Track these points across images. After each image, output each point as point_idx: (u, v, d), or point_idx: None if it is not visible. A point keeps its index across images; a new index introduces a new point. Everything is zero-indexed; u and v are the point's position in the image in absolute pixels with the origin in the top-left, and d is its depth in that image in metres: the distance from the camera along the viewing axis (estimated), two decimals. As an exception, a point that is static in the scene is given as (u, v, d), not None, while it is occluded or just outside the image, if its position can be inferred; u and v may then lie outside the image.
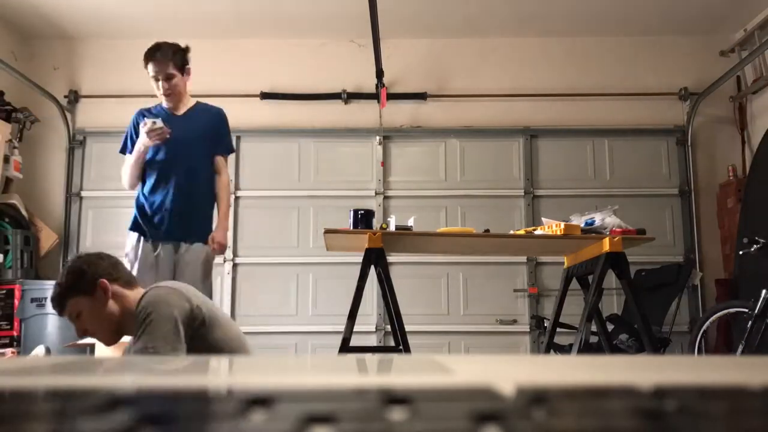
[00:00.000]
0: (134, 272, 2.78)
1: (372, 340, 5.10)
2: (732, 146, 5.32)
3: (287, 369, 0.56)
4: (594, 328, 3.71)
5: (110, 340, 2.10)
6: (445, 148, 5.39)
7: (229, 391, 0.34)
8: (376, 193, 5.29)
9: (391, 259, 3.96)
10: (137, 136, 3.17)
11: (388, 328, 4.83)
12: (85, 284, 2.00)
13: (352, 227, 3.24)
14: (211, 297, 2.83)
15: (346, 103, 5.39)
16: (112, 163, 5.40)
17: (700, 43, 5.41)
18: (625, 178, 5.31)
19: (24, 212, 4.97)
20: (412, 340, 3.28)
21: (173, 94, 3.16)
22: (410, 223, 3.27)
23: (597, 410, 0.29)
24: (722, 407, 0.30)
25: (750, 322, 3.74)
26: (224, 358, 0.57)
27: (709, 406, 0.30)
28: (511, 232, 3.91)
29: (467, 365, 0.49)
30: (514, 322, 5.16)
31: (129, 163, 3.20)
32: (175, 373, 0.51)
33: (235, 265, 5.22)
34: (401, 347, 3.24)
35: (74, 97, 5.43)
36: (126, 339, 2.12)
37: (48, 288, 4.59)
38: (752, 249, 3.86)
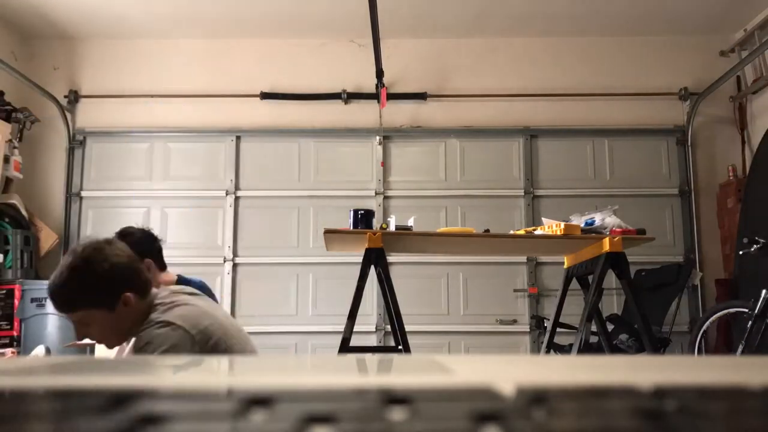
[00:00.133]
0: None
1: (372, 340, 5.10)
2: (732, 146, 5.32)
3: (287, 369, 0.56)
4: (594, 328, 3.71)
5: (113, 346, 1.86)
6: (445, 148, 5.39)
7: (229, 391, 0.34)
8: (376, 193, 5.29)
9: (391, 259, 3.96)
10: None
11: (388, 328, 4.83)
12: (107, 298, 1.69)
13: (352, 227, 3.24)
14: None
15: (346, 103, 5.39)
16: (112, 163, 5.40)
17: (700, 43, 5.41)
18: (625, 178, 5.31)
19: (24, 212, 4.97)
20: (412, 340, 3.28)
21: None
22: (410, 223, 3.26)
23: (597, 410, 0.29)
24: (722, 407, 0.30)
25: (750, 322, 3.74)
26: (224, 358, 0.57)
27: (709, 406, 0.30)
28: (511, 232, 3.91)
29: (467, 365, 0.49)
30: (514, 322, 5.16)
31: None
32: (175, 373, 0.51)
33: (235, 265, 5.22)
34: (401, 347, 3.23)
35: (74, 97, 5.43)
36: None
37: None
38: (752, 249, 3.86)
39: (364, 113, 5.38)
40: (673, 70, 5.40)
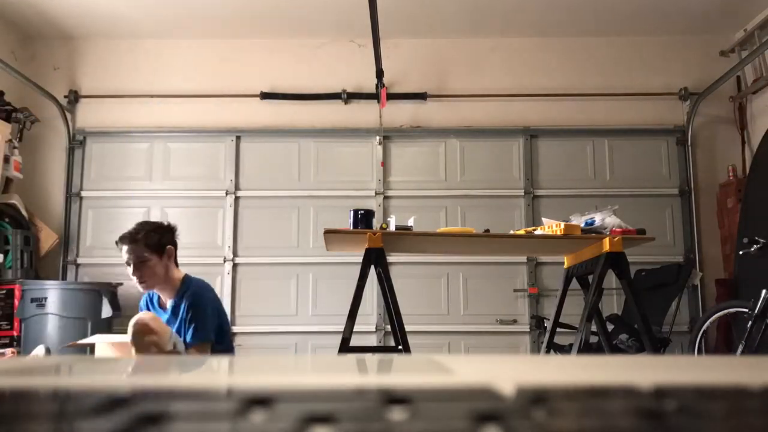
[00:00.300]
0: None
1: (372, 340, 5.10)
2: (732, 146, 5.32)
3: (287, 369, 0.56)
4: (594, 328, 3.71)
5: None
6: (445, 148, 5.39)
7: (229, 391, 0.34)
8: (376, 193, 5.29)
9: (391, 259, 3.95)
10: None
11: (388, 328, 4.83)
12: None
13: (352, 227, 3.23)
14: None
15: (346, 103, 5.39)
16: (112, 163, 5.40)
17: (700, 43, 5.41)
18: (625, 178, 5.31)
19: (24, 212, 4.97)
20: (412, 340, 3.28)
21: (146, 282, 2.70)
22: (410, 223, 3.26)
23: (597, 410, 0.29)
24: (722, 407, 0.30)
25: (750, 322, 3.74)
26: (224, 358, 0.57)
27: (709, 406, 0.30)
28: (511, 232, 3.91)
29: (467, 365, 0.49)
30: (514, 322, 5.16)
31: None
32: (175, 372, 0.51)
33: (235, 265, 5.22)
34: (401, 347, 3.23)
35: (74, 97, 5.43)
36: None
37: (48, 288, 4.59)
38: (752, 249, 3.86)
39: (364, 113, 5.38)
40: (673, 70, 5.41)
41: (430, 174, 5.35)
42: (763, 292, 3.71)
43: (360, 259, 3.18)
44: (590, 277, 3.36)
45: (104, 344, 3.38)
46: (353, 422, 0.25)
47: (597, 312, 3.53)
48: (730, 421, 0.27)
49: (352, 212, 3.27)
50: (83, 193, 5.34)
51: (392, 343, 4.16)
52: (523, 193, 5.31)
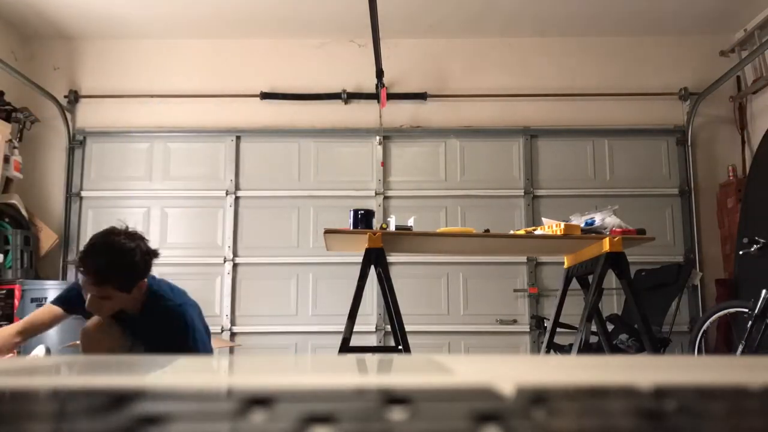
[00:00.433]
0: None
1: (372, 340, 5.10)
2: (732, 146, 5.32)
3: (287, 369, 0.56)
4: (594, 328, 3.71)
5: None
6: (445, 148, 5.39)
7: (229, 391, 0.34)
8: (376, 193, 5.29)
9: (391, 259, 3.96)
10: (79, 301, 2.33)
11: (388, 328, 4.83)
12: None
13: (352, 227, 3.24)
14: None
15: (346, 103, 5.39)
16: (112, 163, 5.40)
17: (700, 43, 5.41)
18: (625, 178, 5.31)
19: (24, 212, 4.97)
20: (412, 340, 3.28)
21: (102, 314, 2.25)
22: (410, 223, 3.26)
23: (597, 410, 0.29)
24: (722, 407, 0.30)
25: (750, 322, 3.74)
26: (224, 358, 0.57)
27: (709, 406, 0.30)
28: (511, 232, 3.91)
29: (467, 365, 0.49)
30: (514, 322, 5.16)
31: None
32: (175, 373, 0.51)
33: (235, 265, 5.22)
34: (401, 347, 3.23)
35: (74, 97, 5.43)
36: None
37: (48, 288, 4.59)
38: (752, 249, 3.86)
39: (364, 113, 5.38)
40: (673, 70, 5.41)
41: (430, 174, 5.35)
42: (763, 292, 3.71)
43: (360, 259, 3.18)
44: (590, 277, 3.36)
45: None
46: (353, 422, 0.25)
47: (597, 312, 3.53)
48: (730, 421, 0.27)
49: (352, 212, 3.27)
50: (83, 193, 5.34)
51: (392, 343, 4.16)
52: (523, 193, 5.31)
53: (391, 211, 5.09)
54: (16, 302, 4.46)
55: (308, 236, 5.24)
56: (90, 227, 5.27)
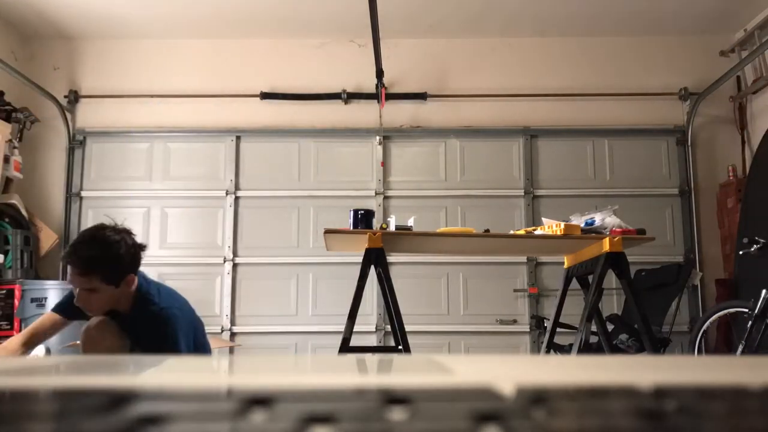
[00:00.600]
0: None
1: (372, 340, 5.10)
2: (732, 146, 5.32)
3: (287, 369, 0.56)
4: (594, 328, 3.71)
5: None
6: (445, 148, 5.39)
7: (229, 391, 0.34)
8: (376, 193, 5.29)
9: (391, 259, 3.96)
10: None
11: (388, 328, 4.83)
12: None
13: (352, 227, 3.24)
14: None
15: (346, 103, 5.39)
16: (112, 163, 5.40)
17: (700, 43, 5.41)
18: (625, 178, 5.31)
19: (24, 212, 4.97)
20: (412, 340, 3.28)
21: (93, 311, 2.25)
22: (410, 223, 3.26)
23: (597, 410, 0.29)
24: (722, 407, 0.30)
25: (750, 322, 3.74)
26: (224, 358, 0.57)
27: (709, 406, 0.30)
28: (511, 232, 3.91)
29: (467, 365, 0.49)
30: (514, 322, 5.16)
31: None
32: (175, 373, 0.51)
33: (235, 265, 5.22)
34: (401, 347, 3.23)
35: (74, 97, 5.43)
36: None
37: (48, 288, 4.59)
38: (752, 249, 3.86)
39: (364, 113, 5.38)
40: (673, 70, 5.41)
41: (430, 174, 5.35)
42: (763, 292, 3.71)
43: (360, 259, 3.17)
44: (590, 277, 3.36)
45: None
46: (353, 422, 0.25)
47: (597, 312, 3.53)
48: (730, 421, 0.27)
49: (352, 212, 3.27)
50: (83, 193, 5.34)
51: (392, 343, 4.16)
52: (523, 193, 5.31)
53: (391, 211, 5.09)
54: (16, 302, 4.46)
55: (308, 236, 5.25)
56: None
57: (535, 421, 0.26)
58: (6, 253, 4.71)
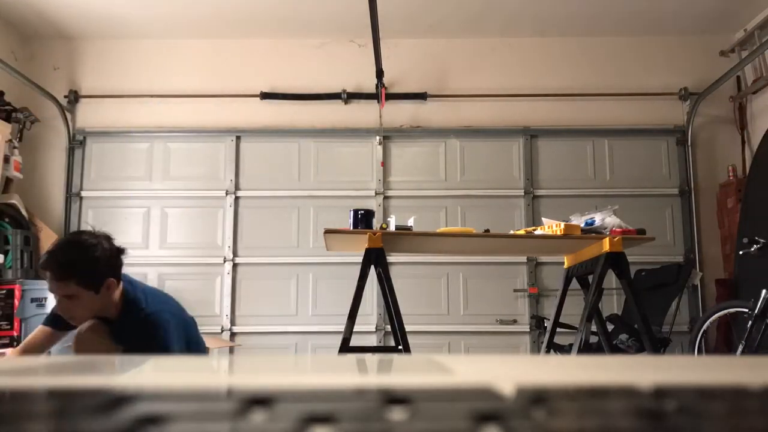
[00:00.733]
0: None
1: (372, 340, 5.10)
2: (732, 146, 5.32)
3: (287, 369, 0.56)
4: (594, 328, 3.71)
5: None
6: (445, 148, 5.39)
7: (229, 391, 0.34)
8: (376, 193, 5.29)
9: (391, 259, 3.96)
10: None
11: (388, 328, 4.83)
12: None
13: (352, 227, 3.24)
14: None
15: (346, 103, 5.39)
16: (112, 163, 5.40)
17: (700, 43, 5.41)
18: (625, 178, 5.31)
19: (24, 212, 4.97)
20: (412, 340, 3.28)
21: (75, 318, 2.21)
22: (410, 223, 3.26)
23: (597, 410, 0.29)
24: (722, 407, 0.30)
25: (750, 322, 3.74)
26: (224, 358, 0.57)
27: (709, 406, 0.30)
28: (511, 232, 3.91)
29: (467, 365, 0.49)
30: (514, 322, 5.16)
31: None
32: (175, 372, 0.51)
33: (235, 265, 5.22)
34: (401, 347, 3.23)
35: (74, 97, 5.43)
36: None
37: (48, 288, 4.58)
38: (752, 249, 3.86)
39: (364, 113, 5.38)
40: (673, 70, 5.41)
41: (430, 174, 5.35)
42: (763, 292, 3.71)
43: (360, 259, 3.17)
44: (590, 277, 3.36)
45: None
46: (353, 422, 0.25)
47: (597, 312, 3.53)
48: (730, 421, 0.27)
49: (352, 212, 3.27)
50: (83, 193, 5.34)
51: (392, 343, 4.16)
52: (523, 193, 5.31)
53: (391, 211, 5.09)
54: (16, 302, 4.46)
55: (308, 236, 5.25)
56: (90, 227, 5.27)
57: (535, 421, 0.26)
58: (6, 253, 4.71)
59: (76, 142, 5.39)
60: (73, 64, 5.52)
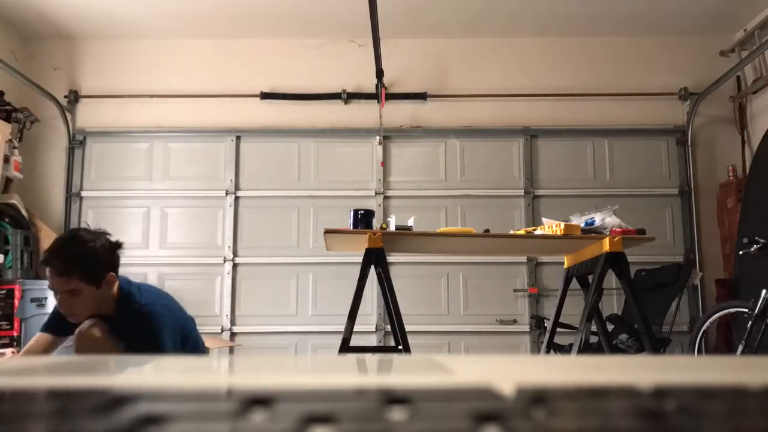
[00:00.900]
0: None
1: (372, 340, 5.10)
2: (732, 146, 5.32)
3: (287, 369, 0.56)
4: (594, 328, 3.71)
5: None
6: (445, 148, 5.39)
7: (229, 391, 0.34)
8: (376, 193, 5.29)
9: (391, 259, 3.96)
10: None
11: (388, 328, 4.83)
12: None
13: (352, 227, 3.24)
14: None
15: (346, 103, 5.39)
16: (112, 163, 5.40)
17: (700, 43, 5.41)
18: (625, 178, 5.31)
19: (24, 212, 4.97)
20: (412, 340, 3.28)
21: (75, 315, 2.22)
22: (410, 223, 3.27)
23: (597, 410, 0.29)
24: (722, 407, 0.30)
25: (750, 322, 3.74)
26: (224, 358, 0.57)
27: (709, 406, 0.30)
28: (511, 232, 3.91)
29: (467, 365, 0.49)
30: (514, 322, 5.16)
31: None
32: (175, 372, 0.51)
33: (235, 265, 5.22)
34: (401, 347, 3.23)
35: (74, 97, 5.43)
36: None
37: (47, 288, 4.58)
38: (752, 249, 3.86)
39: (364, 113, 5.38)
40: (673, 70, 5.41)
41: (430, 174, 5.35)
42: (763, 292, 3.71)
43: (360, 259, 3.18)
44: (590, 277, 3.36)
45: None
46: (353, 422, 0.25)
47: (597, 312, 3.53)
48: (730, 421, 0.27)
49: (352, 212, 3.27)
50: (83, 193, 5.34)
51: (392, 343, 4.16)
52: (523, 193, 5.31)
53: (391, 211, 5.09)
54: (16, 302, 4.46)
55: (308, 236, 5.25)
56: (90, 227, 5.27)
57: (535, 421, 0.26)
58: (6, 253, 4.71)
59: (76, 142, 5.39)
60: (73, 64, 5.52)
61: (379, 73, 4.99)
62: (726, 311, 4.14)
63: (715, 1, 4.91)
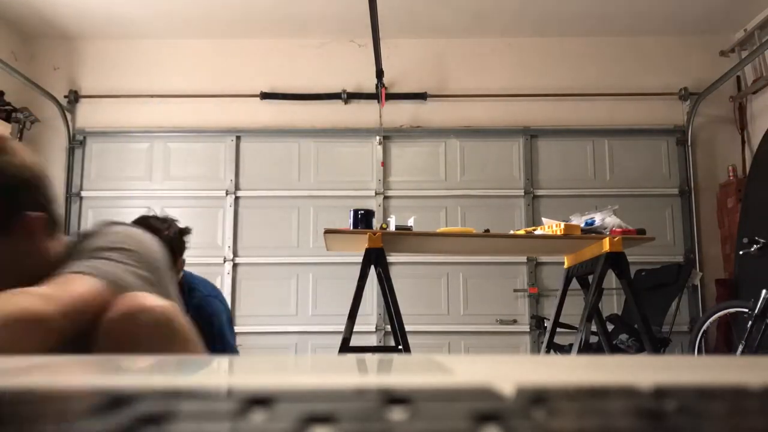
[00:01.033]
0: None
1: (372, 340, 5.10)
2: (732, 146, 5.32)
3: (287, 369, 0.56)
4: (594, 328, 3.71)
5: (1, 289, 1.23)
6: (445, 148, 5.39)
7: (229, 391, 0.34)
8: (376, 193, 5.29)
9: (391, 259, 3.96)
10: None
11: (388, 328, 4.83)
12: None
13: (352, 227, 3.24)
14: None
15: (346, 103, 5.39)
16: (111, 164, 5.41)
17: (700, 43, 5.41)
18: (625, 178, 5.31)
19: (24, 212, 4.96)
20: (412, 340, 3.28)
21: None
22: (410, 223, 3.27)
23: (597, 410, 0.29)
24: (722, 407, 0.30)
25: (750, 322, 3.74)
26: (224, 358, 0.57)
27: (709, 406, 0.30)
28: (511, 232, 3.91)
29: (467, 365, 0.49)
30: (514, 322, 5.16)
31: None
32: (175, 372, 0.51)
33: (235, 265, 5.22)
34: (401, 347, 3.24)
35: (74, 97, 5.43)
36: None
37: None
38: (752, 249, 3.86)
39: (364, 113, 5.38)
40: (673, 70, 5.41)
41: (430, 174, 5.35)
42: (763, 292, 3.71)
43: (360, 259, 3.18)
44: (590, 277, 3.36)
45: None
46: (353, 422, 0.25)
47: (597, 312, 3.53)
48: (730, 421, 0.27)
49: (352, 212, 3.27)
50: (83, 193, 5.34)
51: (392, 343, 4.16)
52: (523, 193, 5.31)
53: (391, 211, 5.09)
54: (16, 302, 4.45)
55: (308, 236, 5.25)
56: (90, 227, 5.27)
57: (535, 421, 0.26)
58: (6, 253, 4.71)
59: (76, 142, 5.39)
60: (73, 64, 5.52)
61: (379, 73, 4.99)
62: (726, 311, 4.14)
63: (715, 1, 4.91)
